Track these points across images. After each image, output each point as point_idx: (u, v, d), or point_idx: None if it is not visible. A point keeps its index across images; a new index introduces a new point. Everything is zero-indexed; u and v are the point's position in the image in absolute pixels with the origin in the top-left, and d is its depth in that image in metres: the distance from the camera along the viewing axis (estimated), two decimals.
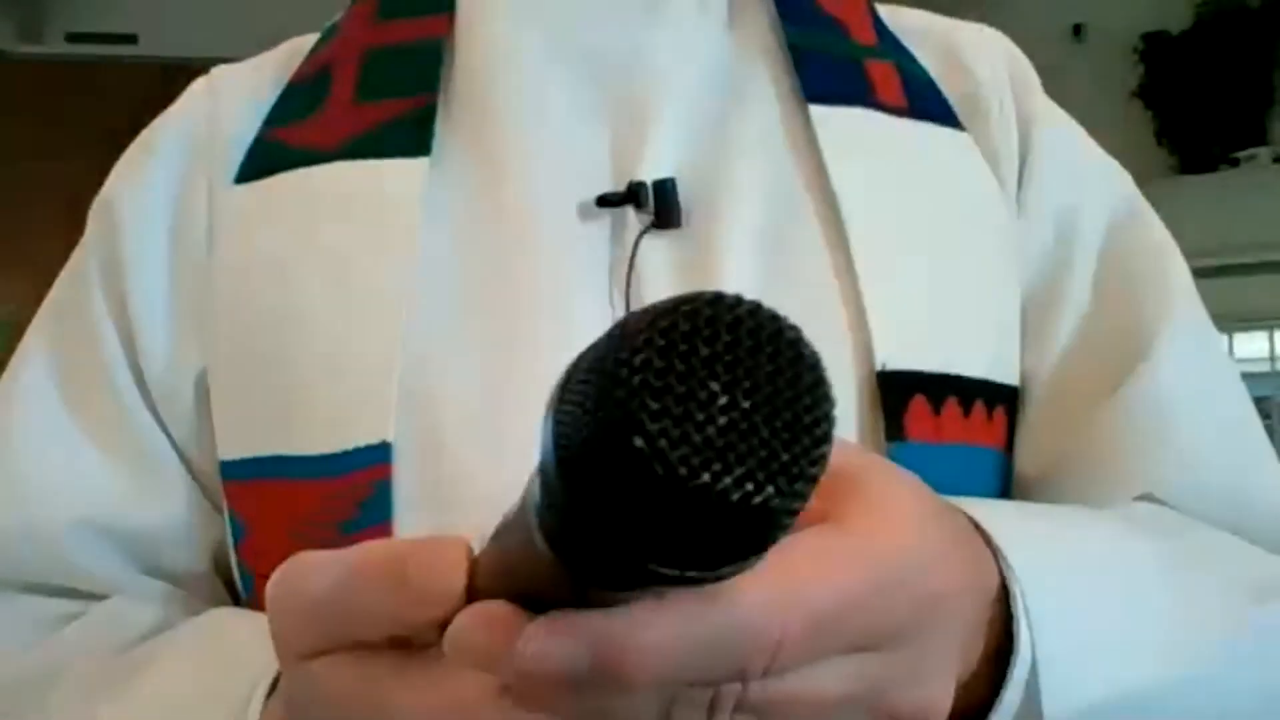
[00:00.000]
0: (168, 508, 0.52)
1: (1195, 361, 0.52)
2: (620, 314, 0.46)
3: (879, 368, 0.48)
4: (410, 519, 0.46)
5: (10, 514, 0.52)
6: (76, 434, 0.52)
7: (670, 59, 0.52)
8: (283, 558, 0.49)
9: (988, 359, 0.51)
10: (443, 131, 0.51)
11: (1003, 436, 0.52)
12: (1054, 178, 0.55)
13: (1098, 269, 0.54)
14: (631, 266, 0.48)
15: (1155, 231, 0.56)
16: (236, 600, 0.55)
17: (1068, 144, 0.57)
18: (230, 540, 0.51)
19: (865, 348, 0.48)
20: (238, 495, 0.50)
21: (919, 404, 0.48)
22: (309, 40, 0.58)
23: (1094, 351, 0.53)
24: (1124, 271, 0.54)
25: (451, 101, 0.52)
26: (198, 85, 0.57)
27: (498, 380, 0.47)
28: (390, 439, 0.46)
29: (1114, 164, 0.58)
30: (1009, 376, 0.52)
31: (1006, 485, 0.53)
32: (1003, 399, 0.52)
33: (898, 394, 0.48)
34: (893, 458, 0.46)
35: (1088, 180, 0.56)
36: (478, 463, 0.46)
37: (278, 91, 0.56)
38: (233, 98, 0.56)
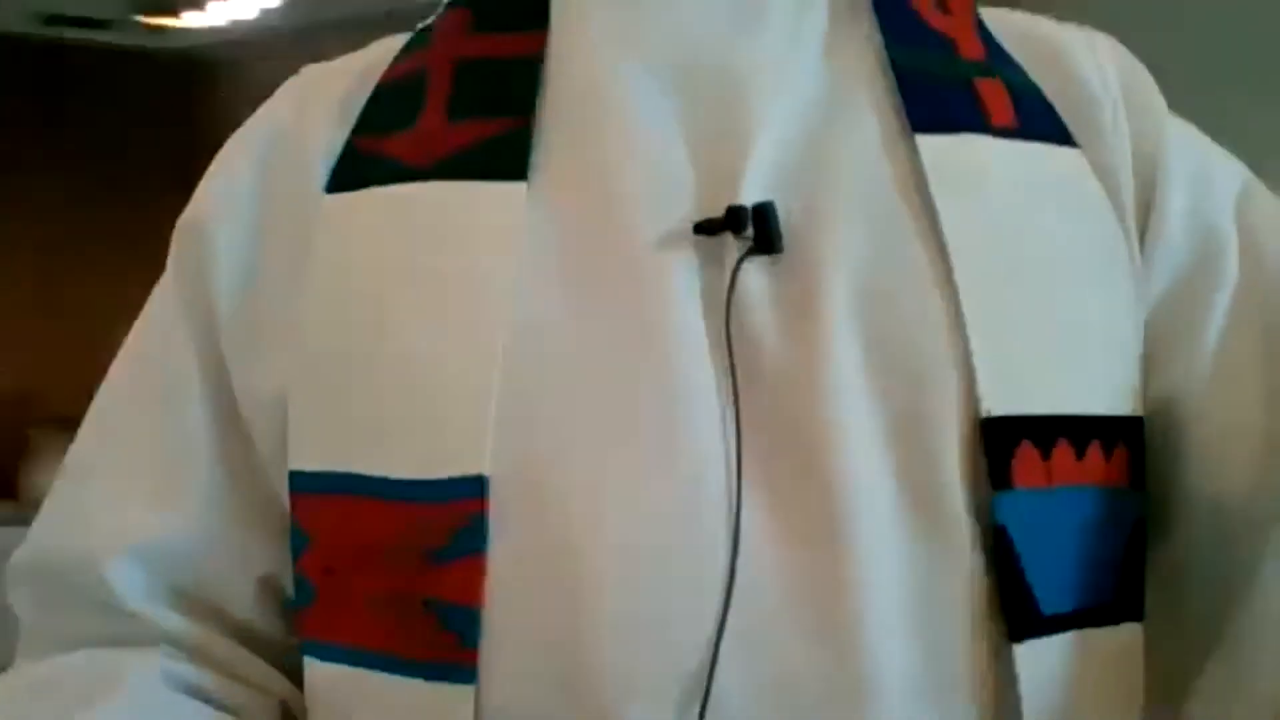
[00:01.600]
0: (212, 529, 0.54)
1: None
2: (722, 339, 0.46)
3: (984, 415, 0.47)
4: (504, 550, 0.46)
5: (63, 545, 0.54)
6: (115, 466, 0.54)
7: (766, 80, 0.51)
8: (347, 574, 0.48)
9: (1103, 394, 0.50)
10: (537, 154, 0.50)
11: (1124, 474, 0.50)
12: (1184, 197, 0.53)
13: (1240, 268, 0.53)
14: (731, 292, 0.47)
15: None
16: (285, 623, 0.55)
17: (1191, 156, 0.55)
18: (290, 552, 0.51)
19: (971, 393, 0.47)
20: (305, 508, 0.50)
21: (1026, 450, 0.47)
22: (400, 40, 0.57)
23: (1248, 369, 0.52)
24: (1262, 271, 0.53)
25: (546, 123, 0.51)
26: (287, 87, 0.57)
27: (597, 410, 0.46)
28: (487, 472, 0.46)
29: (1224, 163, 0.57)
30: (1129, 408, 0.51)
31: (1137, 521, 0.51)
32: (1123, 435, 0.50)
33: (1004, 441, 0.47)
34: (998, 507, 0.46)
35: (1214, 189, 0.55)
36: (575, 494, 0.46)
37: (366, 94, 0.55)
38: (320, 100, 0.55)
